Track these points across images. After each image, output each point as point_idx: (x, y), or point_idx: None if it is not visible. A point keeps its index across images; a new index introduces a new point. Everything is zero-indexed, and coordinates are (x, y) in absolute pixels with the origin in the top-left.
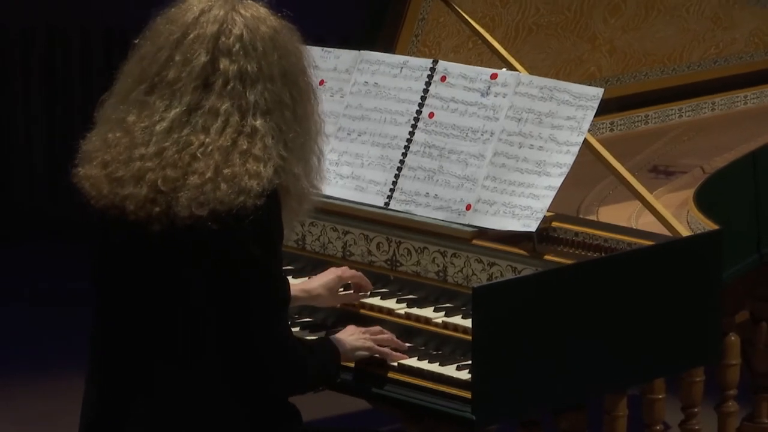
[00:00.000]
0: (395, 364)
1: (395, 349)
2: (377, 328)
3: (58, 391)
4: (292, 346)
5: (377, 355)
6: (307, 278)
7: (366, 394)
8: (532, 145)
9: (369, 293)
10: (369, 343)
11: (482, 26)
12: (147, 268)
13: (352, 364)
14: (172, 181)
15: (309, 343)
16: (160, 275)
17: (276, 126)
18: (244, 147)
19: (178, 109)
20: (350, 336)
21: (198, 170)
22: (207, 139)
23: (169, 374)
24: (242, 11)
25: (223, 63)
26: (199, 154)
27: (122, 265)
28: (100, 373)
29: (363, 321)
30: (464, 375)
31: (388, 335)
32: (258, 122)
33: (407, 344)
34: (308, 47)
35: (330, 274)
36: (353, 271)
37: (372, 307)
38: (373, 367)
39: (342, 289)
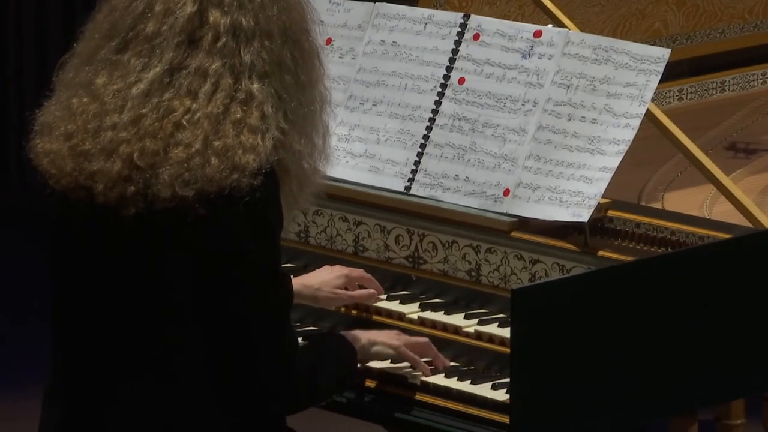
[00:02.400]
0: (419, 381)
1: (429, 363)
2: (423, 338)
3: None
4: (298, 358)
5: (404, 365)
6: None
7: (378, 417)
8: (583, 117)
9: (385, 296)
10: (396, 343)
11: None
12: (119, 260)
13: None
14: (151, 154)
15: (316, 346)
16: (135, 269)
17: (275, 92)
18: (238, 115)
19: (158, 69)
20: (379, 335)
21: (183, 141)
22: (194, 105)
23: (148, 390)
24: None
25: (214, 15)
26: (184, 122)
27: (88, 258)
28: (64, 391)
29: (379, 329)
30: (501, 395)
31: (426, 342)
32: (254, 86)
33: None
34: None
35: (334, 272)
36: (360, 270)
37: (390, 314)
38: (387, 384)
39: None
